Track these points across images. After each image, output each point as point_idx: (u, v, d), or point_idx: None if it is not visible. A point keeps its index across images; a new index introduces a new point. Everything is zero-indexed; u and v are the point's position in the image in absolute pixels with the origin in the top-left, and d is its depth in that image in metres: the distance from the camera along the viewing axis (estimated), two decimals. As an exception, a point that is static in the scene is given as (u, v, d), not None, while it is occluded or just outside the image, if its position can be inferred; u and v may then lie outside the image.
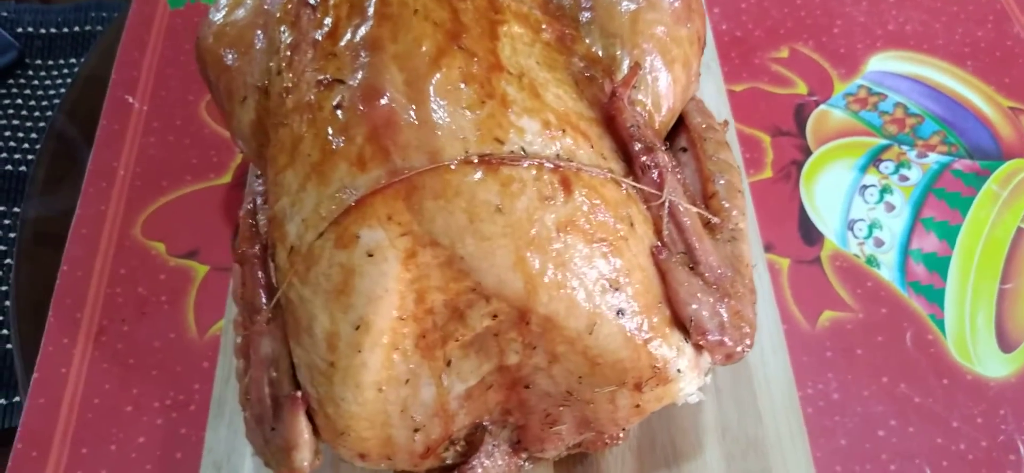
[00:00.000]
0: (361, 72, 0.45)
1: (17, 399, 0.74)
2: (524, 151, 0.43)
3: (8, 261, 0.79)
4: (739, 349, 0.45)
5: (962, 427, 0.56)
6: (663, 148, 0.48)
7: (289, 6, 0.51)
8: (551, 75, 0.47)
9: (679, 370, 0.45)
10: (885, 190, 0.68)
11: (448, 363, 0.44)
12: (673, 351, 0.45)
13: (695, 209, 0.47)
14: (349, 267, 0.42)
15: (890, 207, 0.67)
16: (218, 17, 0.55)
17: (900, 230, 0.66)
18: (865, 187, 0.68)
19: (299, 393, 0.45)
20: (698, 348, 0.46)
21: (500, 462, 0.48)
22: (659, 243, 0.46)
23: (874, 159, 0.70)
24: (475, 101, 0.44)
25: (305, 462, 0.45)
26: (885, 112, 0.73)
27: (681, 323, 0.45)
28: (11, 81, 0.93)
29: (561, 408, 0.46)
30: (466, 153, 0.42)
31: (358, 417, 0.44)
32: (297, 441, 0.45)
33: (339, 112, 0.44)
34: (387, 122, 0.43)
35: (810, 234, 0.66)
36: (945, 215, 0.66)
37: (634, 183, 0.45)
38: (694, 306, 0.45)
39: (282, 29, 0.51)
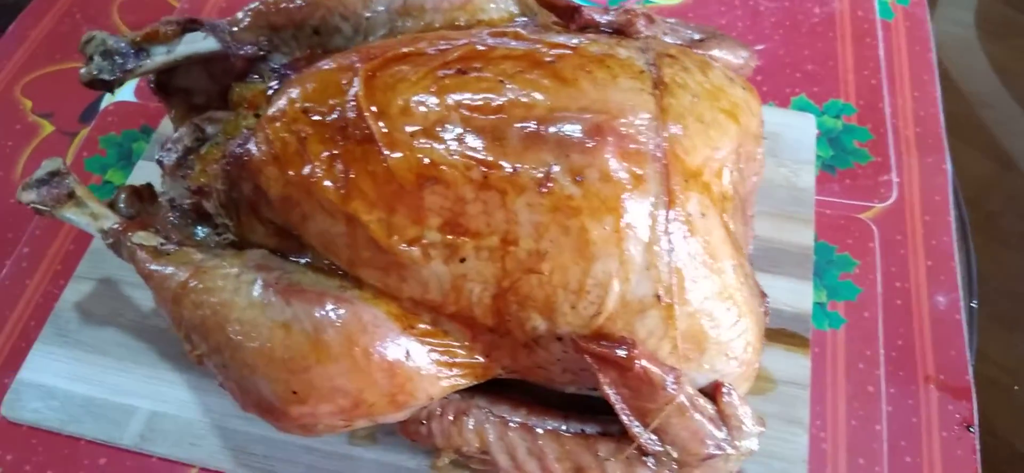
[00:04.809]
0: (557, 150, 0.46)
1: None
2: (646, 60, 0.50)
3: None
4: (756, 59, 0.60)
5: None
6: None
7: (393, 220, 0.46)
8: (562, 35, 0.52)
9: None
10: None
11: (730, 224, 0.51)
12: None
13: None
14: (705, 234, 0.46)
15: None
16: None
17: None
18: None
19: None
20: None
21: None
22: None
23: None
24: (602, 68, 0.48)
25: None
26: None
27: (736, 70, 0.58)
28: None
29: (751, 196, 0.57)
30: (652, 93, 0.47)
31: (756, 324, 0.49)
32: (743, 410, 0.48)
33: (585, 178, 0.45)
34: (616, 139, 0.46)
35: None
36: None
37: (652, 30, 0.55)
38: (733, 55, 0.58)
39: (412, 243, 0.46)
